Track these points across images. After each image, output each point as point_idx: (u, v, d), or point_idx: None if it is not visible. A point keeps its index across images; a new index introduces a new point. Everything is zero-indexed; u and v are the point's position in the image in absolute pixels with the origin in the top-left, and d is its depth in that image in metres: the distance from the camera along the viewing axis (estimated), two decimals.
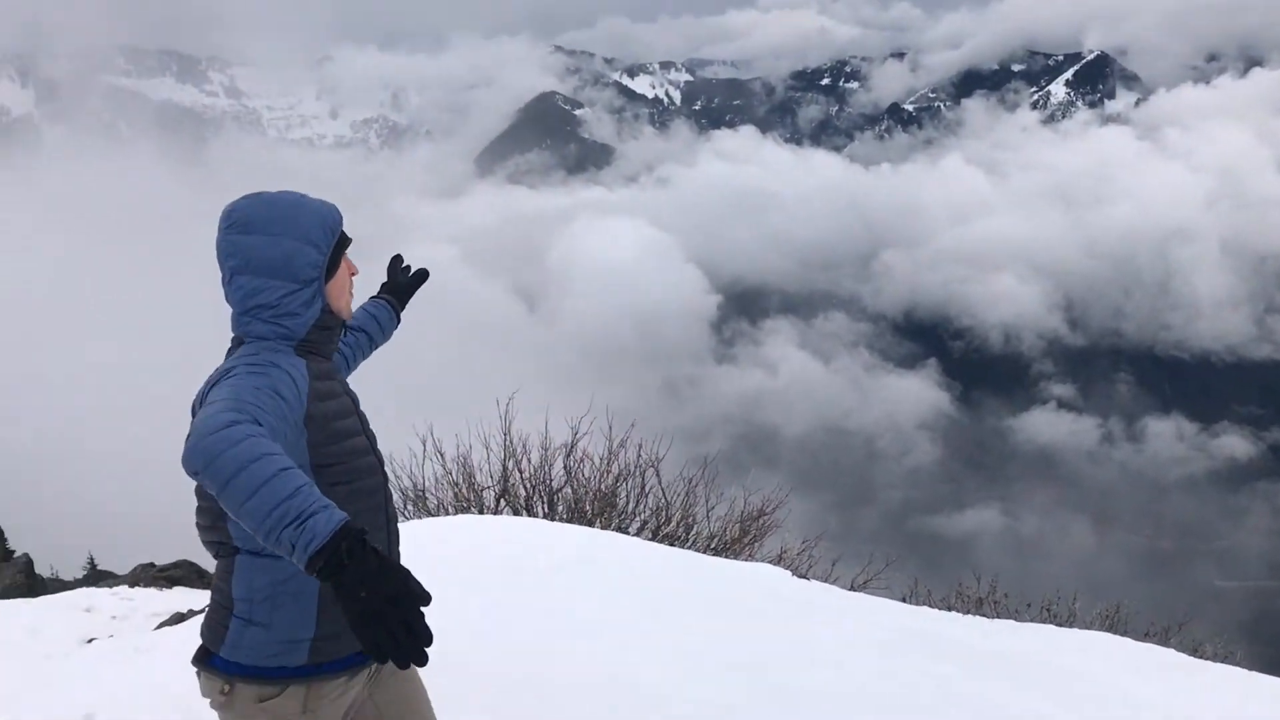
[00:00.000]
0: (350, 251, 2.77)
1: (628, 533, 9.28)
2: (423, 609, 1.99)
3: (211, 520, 2.51)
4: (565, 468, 9.92)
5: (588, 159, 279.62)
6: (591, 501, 9.69)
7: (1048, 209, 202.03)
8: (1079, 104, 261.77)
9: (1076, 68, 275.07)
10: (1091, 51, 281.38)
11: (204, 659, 2.56)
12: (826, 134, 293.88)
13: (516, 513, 9.64)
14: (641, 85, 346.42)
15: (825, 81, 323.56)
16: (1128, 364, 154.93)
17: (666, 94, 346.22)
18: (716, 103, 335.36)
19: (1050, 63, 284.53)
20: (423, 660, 1.97)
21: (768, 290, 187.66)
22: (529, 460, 10.00)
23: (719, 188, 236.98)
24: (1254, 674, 7.95)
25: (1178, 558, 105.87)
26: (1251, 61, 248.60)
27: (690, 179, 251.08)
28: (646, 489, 9.84)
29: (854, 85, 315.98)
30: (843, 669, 5.46)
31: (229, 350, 2.64)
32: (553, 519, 9.40)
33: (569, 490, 9.87)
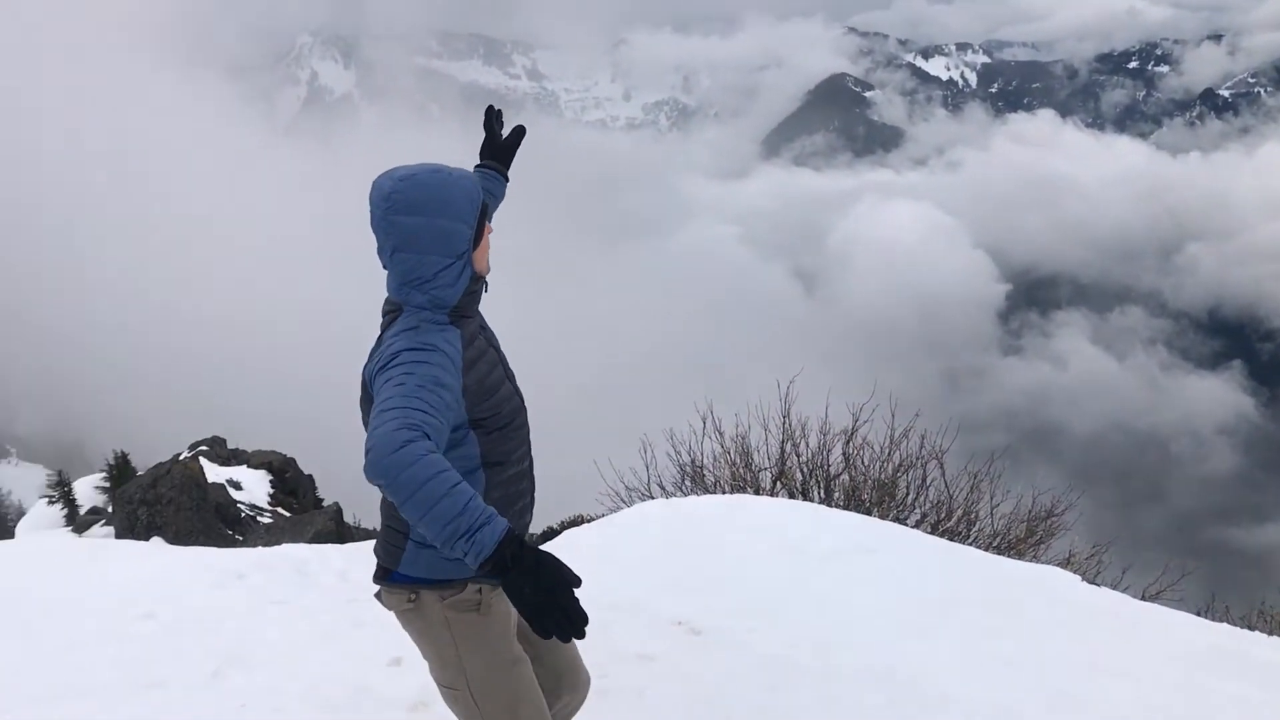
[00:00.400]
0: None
1: (906, 524, 9.10)
2: (575, 591, 2.38)
3: None
4: (844, 454, 9.82)
5: (875, 141, 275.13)
6: (870, 490, 9.56)
7: None
8: None
9: None
10: None
11: (384, 577, 2.98)
12: (1132, 120, 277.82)
13: (792, 496, 9.62)
14: (936, 67, 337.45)
15: (1133, 65, 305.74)
16: None
17: (962, 76, 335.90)
18: (1014, 85, 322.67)
19: None
20: (581, 635, 2.36)
21: (1060, 280, 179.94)
22: (807, 444, 9.97)
23: (1013, 172, 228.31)
24: None
25: None
26: None
27: (982, 163, 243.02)
28: (928, 481, 9.62)
29: (1164, 69, 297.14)
30: (1132, 679, 5.18)
31: (385, 314, 2.98)
32: (829, 505, 9.32)
33: (847, 477, 9.77)
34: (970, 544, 8.93)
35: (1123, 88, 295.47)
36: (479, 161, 3.71)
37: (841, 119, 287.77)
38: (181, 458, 14.25)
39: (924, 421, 10.00)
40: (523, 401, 3.15)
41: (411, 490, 2.39)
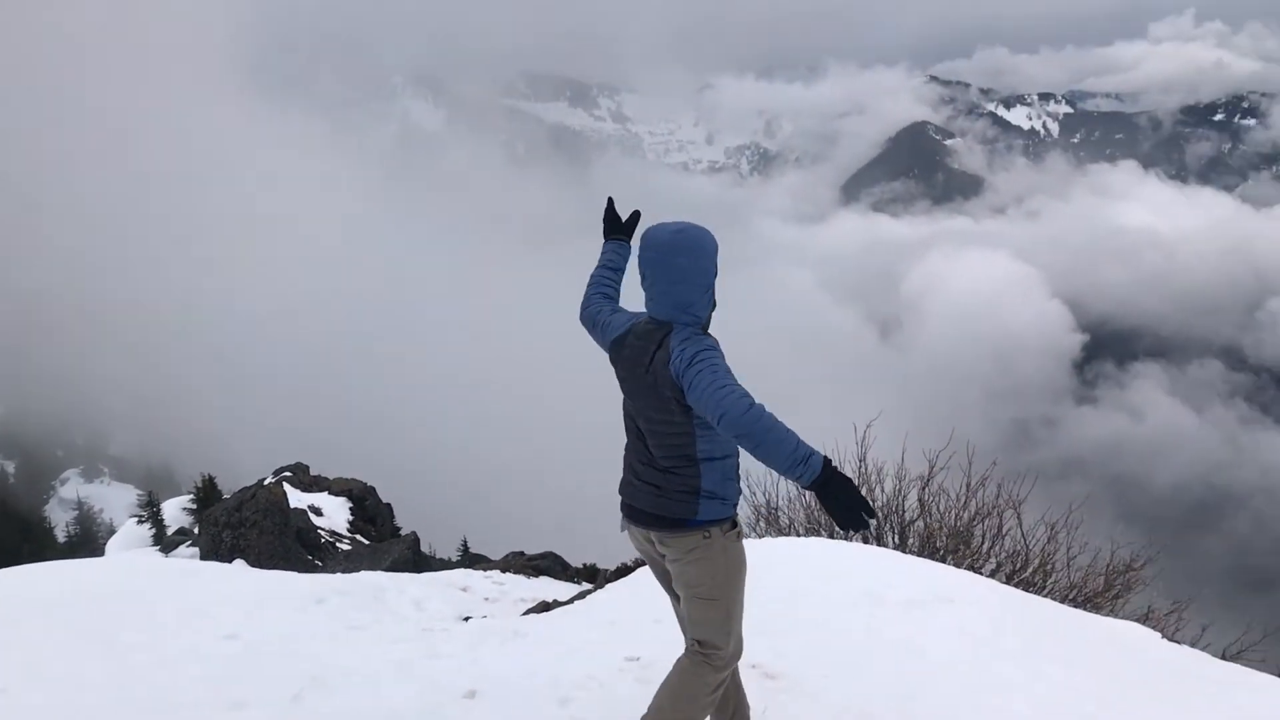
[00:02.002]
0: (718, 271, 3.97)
1: (981, 573, 8.90)
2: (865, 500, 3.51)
3: (685, 442, 3.85)
4: (920, 500, 9.66)
5: (955, 189, 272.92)
6: (945, 537, 9.38)
7: None
8: None
9: None
10: None
11: (679, 526, 3.91)
12: (1216, 172, 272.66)
13: (865, 541, 9.47)
14: (1017, 116, 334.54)
15: (1219, 117, 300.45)
16: None
17: (1044, 125, 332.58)
18: (1097, 136, 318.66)
19: None
20: (869, 526, 3.72)
21: (1138, 333, 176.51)
22: (883, 489, 9.82)
23: (1092, 223, 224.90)
24: None
25: None
26: None
27: (1062, 213, 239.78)
28: (1004, 530, 9.42)
29: (1251, 122, 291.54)
30: None
31: (648, 330, 3.94)
32: (903, 550, 9.17)
33: (922, 523, 9.60)
34: (1046, 595, 8.71)
35: (1208, 140, 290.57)
36: (611, 235, 4.56)
37: (921, 166, 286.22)
38: (266, 483, 14.46)
39: (999, 470, 9.81)
40: None
41: (764, 434, 3.45)
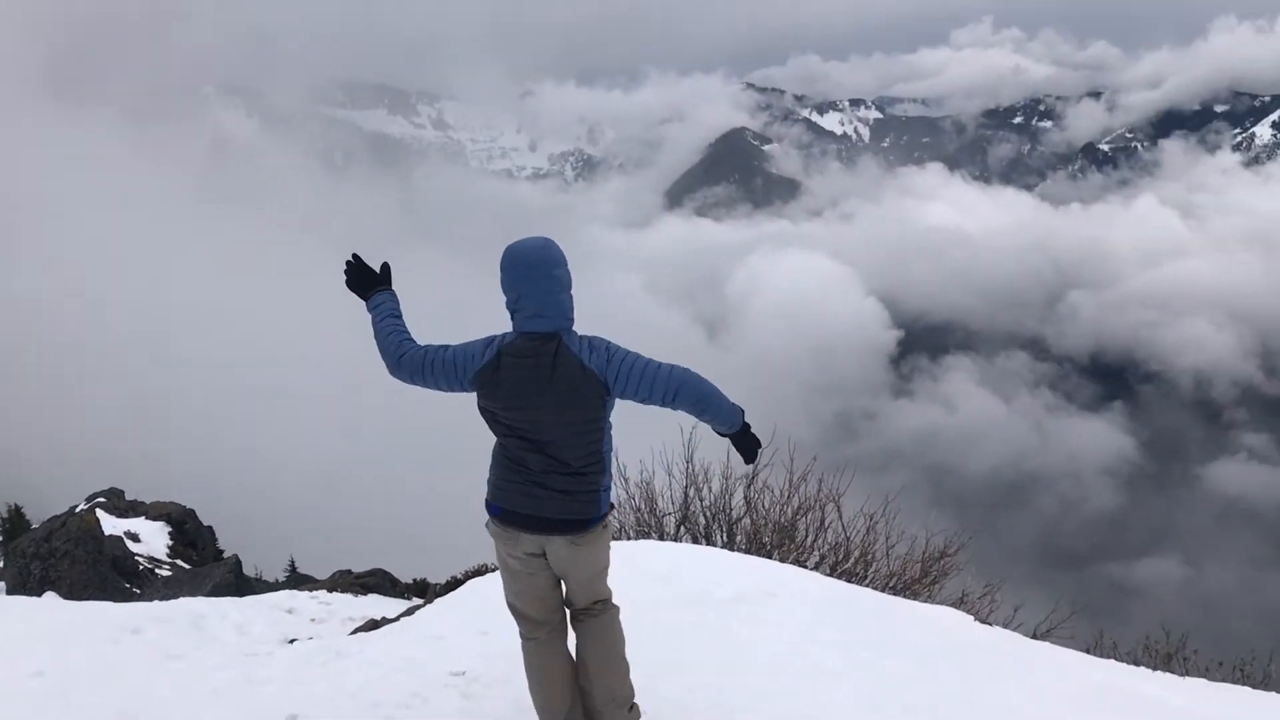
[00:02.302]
0: None
1: (805, 566, 9.11)
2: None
3: (598, 439, 4.13)
4: (745, 498, 9.82)
5: (774, 193, 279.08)
6: (771, 533, 9.56)
7: (1247, 253, 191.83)
8: None
9: None
10: None
11: (585, 526, 4.18)
12: (1017, 173, 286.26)
13: (696, 540, 9.58)
14: (830, 122, 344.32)
15: (1018, 120, 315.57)
16: None
17: (855, 130, 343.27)
18: (905, 140, 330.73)
19: (1256, 104, 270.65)
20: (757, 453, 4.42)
21: (950, 327, 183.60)
22: (710, 488, 9.95)
23: (903, 223, 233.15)
24: None
25: None
26: None
27: (875, 214, 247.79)
28: (826, 523, 9.65)
29: (1047, 124, 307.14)
30: None
31: (532, 345, 4.04)
32: (731, 548, 9.30)
33: (748, 521, 9.76)
34: (867, 585, 8.96)
35: (1008, 142, 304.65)
36: (373, 289, 4.62)
37: (741, 171, 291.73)
38: (78, 510, 13.77)
39: (821, 464, 10.05)
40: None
41: (713, 392, 4.12)
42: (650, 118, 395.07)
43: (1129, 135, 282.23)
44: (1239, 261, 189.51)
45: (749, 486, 9.84)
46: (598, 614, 4.41)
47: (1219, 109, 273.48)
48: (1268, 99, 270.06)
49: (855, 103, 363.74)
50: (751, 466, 5.23)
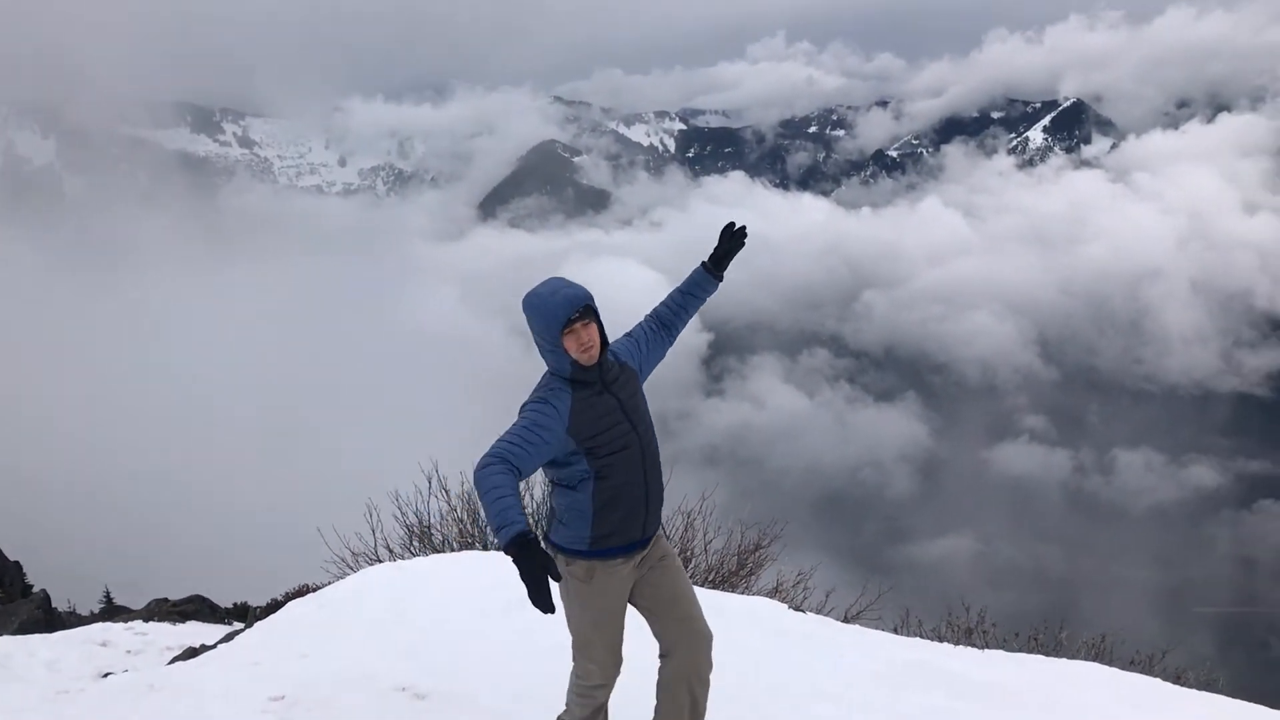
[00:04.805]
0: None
1: None
2: (544, 583, 3.63)
3: (554, 474, 4.20)
4: None
5: (585, 203, 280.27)
6: None
7: (1023, 250, 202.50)
8: (1055, 149, 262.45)
9: (1053, 114, 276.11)
10: (1067, 99, 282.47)
11: (544, 541, 4.28)
12: (814, 179, 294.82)
13: None
14: (637, 134, 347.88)
15: (813, 129, 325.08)
16: (1099, 398, 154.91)
17: (661, 142, 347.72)
18: (709, 150, 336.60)
19: (1028, 110, 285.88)
20: (547, 611, 3.67)
21: (755, 328, 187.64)
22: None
23: (710, 230, 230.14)
24: (1237, 701, 7.81)
25: (1151, 586, 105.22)
26: (1219, 107, 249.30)
27: (683, 222, 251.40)
28: None
29: (840, 133, 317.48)
30: (842, 703, 5.33)
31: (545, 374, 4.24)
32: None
33: None
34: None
35: (805, 150, 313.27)
36: (703, 261, 5.00)
37: (552, 183, 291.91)
38: None
39: None
40: (640, 436, 4.36)
41: (481, 494, 3.74)
42: (460, 131, 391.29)
43: (915, 142, 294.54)
44: (1016, 257, 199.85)
45: None
46: (704, 642, 4.55)
47: (995, 115, 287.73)
48: (1038, 105, 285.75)
49: (660, 115, 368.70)
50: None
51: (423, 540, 9.85)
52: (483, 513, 4.34)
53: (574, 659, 4.40)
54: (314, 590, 8.64)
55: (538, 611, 3.69)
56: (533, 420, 3.99)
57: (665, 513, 9.64)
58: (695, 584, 8.84)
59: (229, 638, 7.54)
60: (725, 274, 5.01)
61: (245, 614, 11.31)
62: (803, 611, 8.14)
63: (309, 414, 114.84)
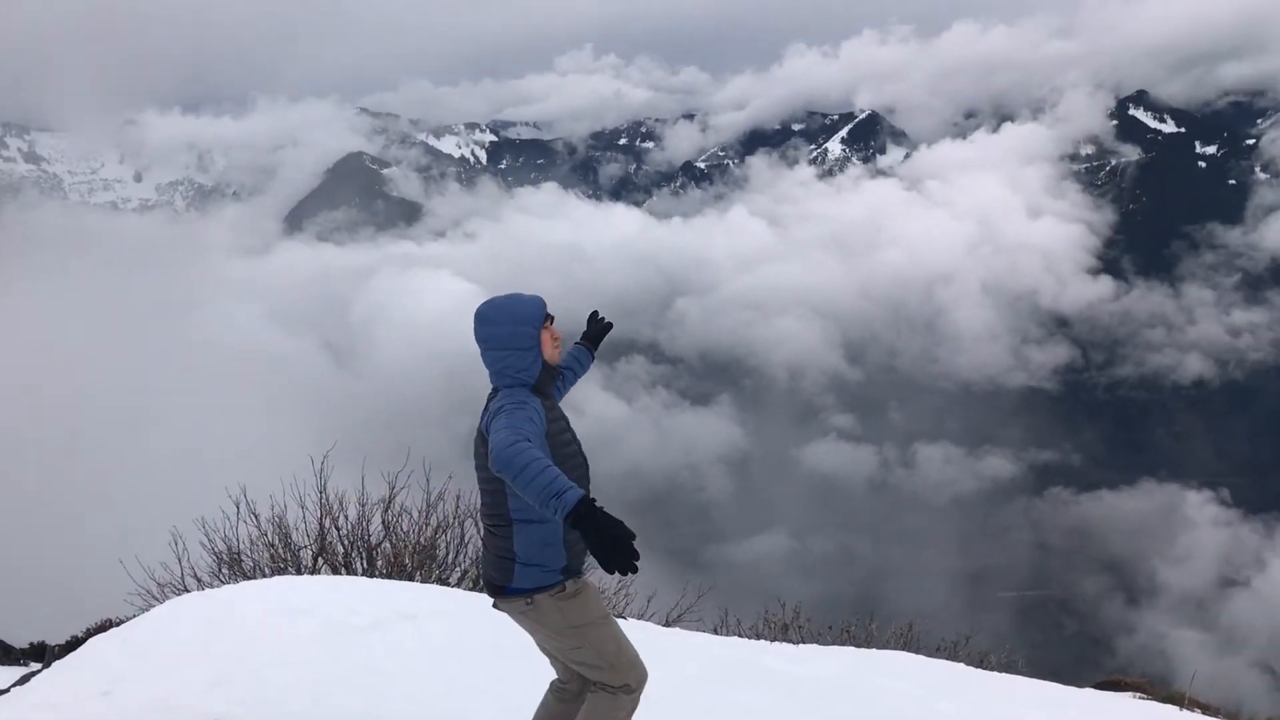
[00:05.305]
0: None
1: (449, 584, 9.01)
2: (628, 542, 3.42)
3: (500, 500, 3.98)
4: (384, 522, 9.58)
5: (396, 216, 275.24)
6: (411, 555, 9.37)
7: (825, 256, 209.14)
8: (853, 159, 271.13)
9: (850, 126, 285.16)
10: (863, 111, 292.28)
11: (501, 592, 4.03)
12: (626, 190, 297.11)
13: (335, 571, 9.24)
14: (447, 145, 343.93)
15: (623, 141, 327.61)
16: (900, 395, 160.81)
17: (472, 153, 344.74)
18: (521, 161, 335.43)
19: (827, 122, 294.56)
20: (633, 570, 3.42)
21: (573, 337, 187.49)
22: (346, 517, 9.62)
23: (524, 241, 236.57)
24: (1035, 680, 8.21)
25: (953, 573, 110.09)
26: (1003, 117, 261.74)
27: (496, 233, 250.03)
28: (466, 539, 9.58)
29: (650, 145, 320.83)
30: (667, 706, 5.36)
31: (490, 395, 4.22)
32: (372, 575, 9.04)
33: (388, 545, 9.52)
34: None
35: (616, 162, 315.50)
36: (577, 341, 5.17)
37: (361, 195, 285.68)
38: None
39: (458, 482, 9.96)
40: (585, 460, 4.34)
41: (520, 469, 3.52)
42: (263, 144, 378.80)
43: (721, 153, 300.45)
44: (819, 264, 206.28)
45: (386, 510, 9.61)
46: (589, 693, 4.22)
47: (796, 127, 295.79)
48: (836, 117, 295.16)
49: (470, 126, 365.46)
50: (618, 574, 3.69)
51: (232, 567, 9.47)
52: (520, 490, 3.68)
53: (609, 681, 4.13)
54: (117, 625, 8.19)
55: (618, 575, 3.50)
56: (529, 415, 3.91)
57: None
58: None
59: (24, 680, 7.07)
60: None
61: (43, 653, 10.64)
62: (624, 618, 8.17)
63: (107, 439, 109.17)
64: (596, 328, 5.31)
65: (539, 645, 4.30)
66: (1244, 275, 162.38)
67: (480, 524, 4.27)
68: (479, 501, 4.12)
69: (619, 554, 3.40)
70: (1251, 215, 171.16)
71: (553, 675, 4.46)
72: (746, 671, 6.35)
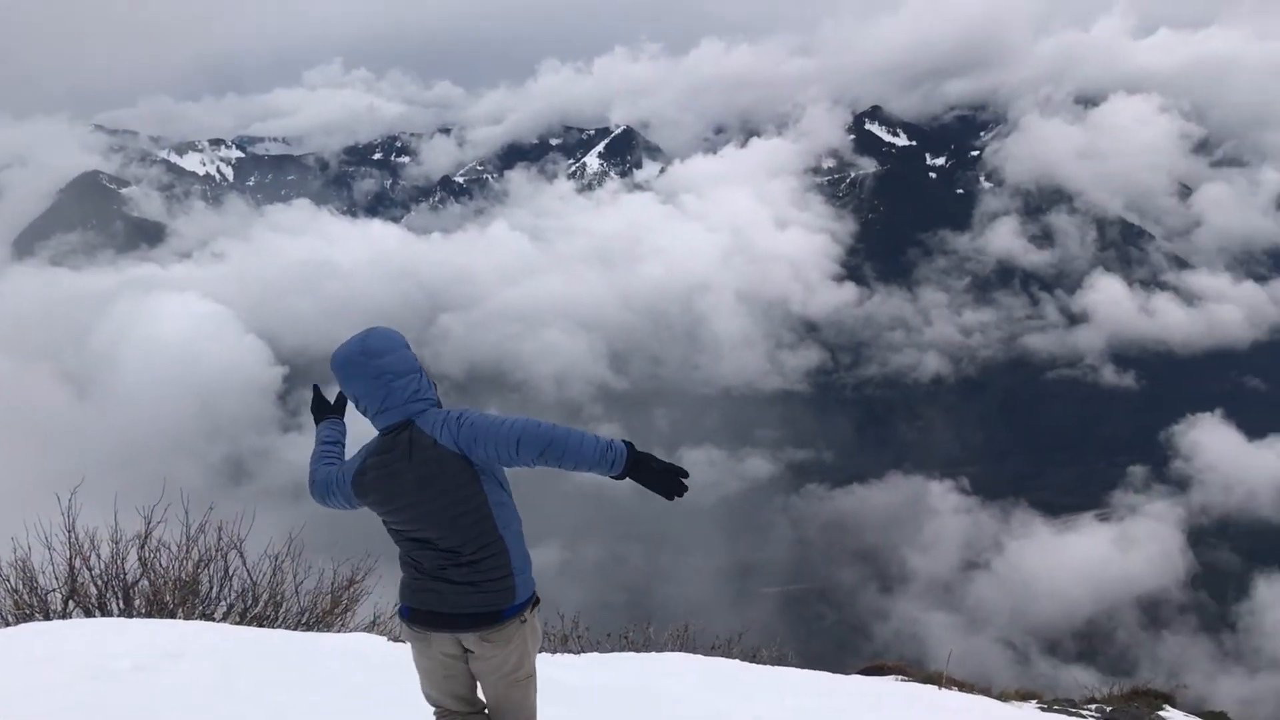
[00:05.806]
0: None
1: (214, 619, 8.58)
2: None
3: (484, 517, 3.81)
4: (140, 559, 9.03)
5: (137, 237, 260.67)
6: (172, 591, 8.88)
7: (587, 269, 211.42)
8: (611, 174, 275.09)
9: (606, 141, 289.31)
10: (618, 126, 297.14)
11: (498, 619, 3.82)
12: (383, 206, 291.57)
13: (89, 613, 8.65)
14: (191, 162, 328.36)
15: (377, 156, 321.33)
16: (665, 403, 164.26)
17: (218, 170, 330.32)
18: (270, 178, 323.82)
19: (584, 136, 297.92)
20: (685, 490, 3.59)
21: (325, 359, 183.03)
22: (98, 556, 9.02)
23: (275, 260, 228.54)
24: (805, 671, 8.52)
25: (723, 572, 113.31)
26: (750, 132, 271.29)
27: (247, 252, 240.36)
28: (230, 571, 9.15)
29: (406, 159, 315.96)
30: None
31: (388, 441, 3.89)
32: (130, 615, 8.52)
33: (146, 582, 8.98)
34: (280, 626, 8.63)
35: (371, 177, 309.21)
36: (324, 416, 4.56)
37: (99, 216, 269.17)
38: None
39: (219, 512, 9.50)
40: None
41: (565, 438, 3.61)
42: None
43: (480, 168, 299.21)
44: (582, 276, 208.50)
45: (144, 547, 9.06)
46: None
47: (554, 142, 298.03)
48: (593, 132, 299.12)
49: (215, 143, 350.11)
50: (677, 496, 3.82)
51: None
52: (566, 460, 3.70)
53: (522, 706, 4.05)
54: None
55: (673, 498, 3.71)
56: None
57: (251, 558, 9.23)
58: (287, 628, 8.47)
59: None
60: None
61: None
62: (401, 642, 7.99)
63: None
64: (335, 399, 4.70)
65: (438, 692, 4.09)
66: (973, 278, 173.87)
67: (444, 567, 3.81)
68: (426, 540, 3.82)
69: (677, 481, 3.60)
70: (978, 222, 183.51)
71: (332, 711, 4.31)
72: (540, 686, 6.31)
